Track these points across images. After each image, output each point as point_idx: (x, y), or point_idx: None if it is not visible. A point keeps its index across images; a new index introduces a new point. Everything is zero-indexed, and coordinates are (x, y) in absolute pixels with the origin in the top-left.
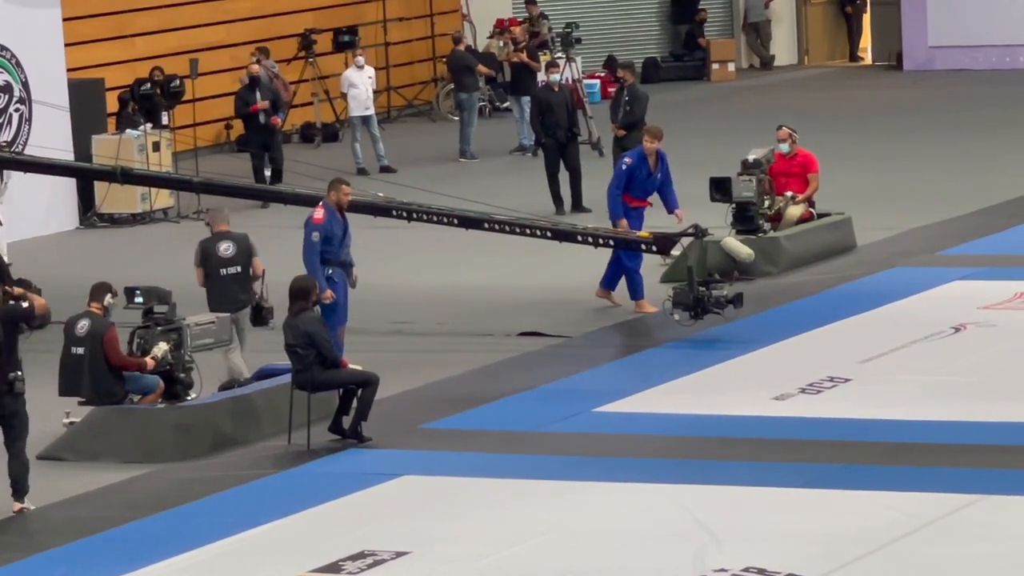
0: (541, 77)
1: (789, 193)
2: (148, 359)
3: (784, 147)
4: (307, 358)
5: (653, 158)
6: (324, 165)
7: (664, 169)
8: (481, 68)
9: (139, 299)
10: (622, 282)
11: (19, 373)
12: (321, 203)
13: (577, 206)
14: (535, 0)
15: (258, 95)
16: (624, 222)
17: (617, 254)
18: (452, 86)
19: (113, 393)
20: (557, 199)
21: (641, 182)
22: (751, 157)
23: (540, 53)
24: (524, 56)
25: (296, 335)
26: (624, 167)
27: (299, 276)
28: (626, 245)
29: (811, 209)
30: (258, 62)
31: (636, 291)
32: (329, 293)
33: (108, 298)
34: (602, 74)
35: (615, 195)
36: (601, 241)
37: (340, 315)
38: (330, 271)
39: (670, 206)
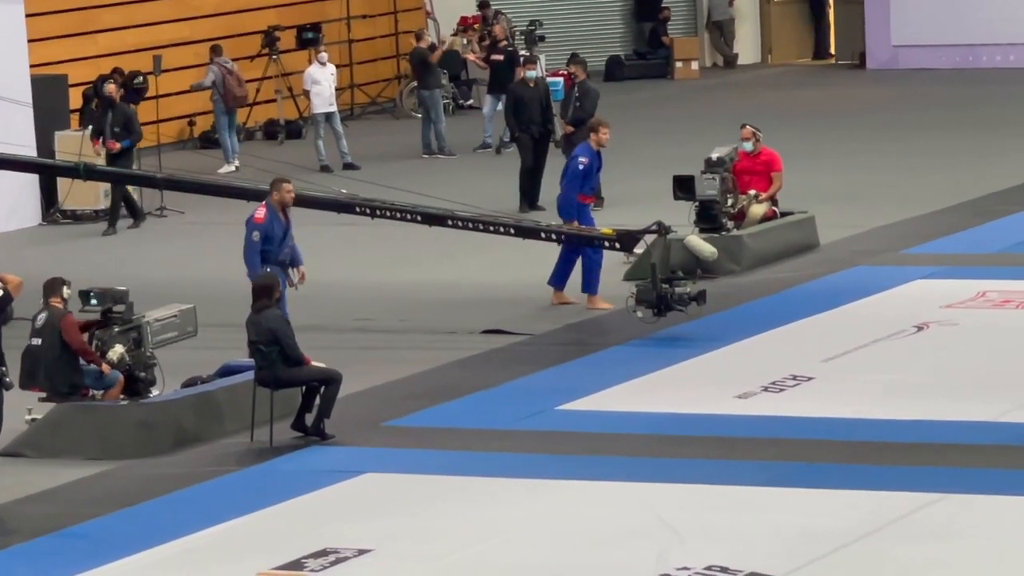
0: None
1: (753, 192)
2: (104, 365)
3: (748, 145)
4: (270, 355)
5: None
6: (287, 162)
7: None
8: (435, 56)
9: (94, 301)
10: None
11: (4, 368)
12: (264, 203)
13: (532, 204)
14: (487, 2)
15: (109, 118)
16: (575, 224)
17: (566, 253)
18: (414, 83)
19: (72, 383)
20: (524, 197)
21: (591, 178)
22: (714, 155)
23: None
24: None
25: (259, 332)
26: (581, 166)
27: (262, 274)
28: (589, 242)
29: (774, 208)
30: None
31: (591, 285)
32: None
33: (66, 290)
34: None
35: (572, 196)
36: (564, 238)
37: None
38: (268, 269)
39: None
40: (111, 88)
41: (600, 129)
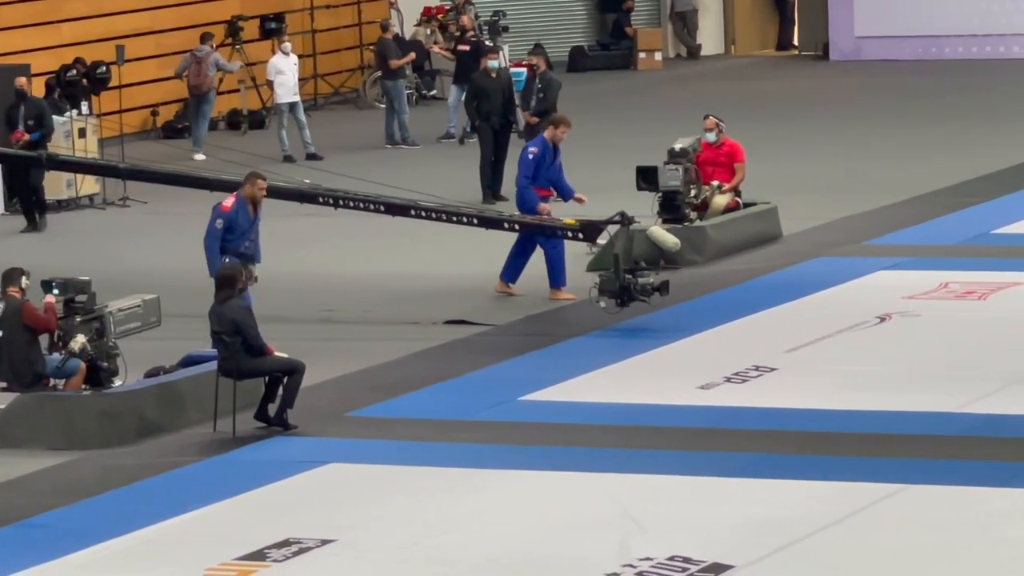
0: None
1: (715, 182)
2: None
3: (711, 136)
4: (233, 345)
5: (554, 147)
6: (250, 152)
7: (559, 158)
8: (394, 62)
9: (56, 291)
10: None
11: None
12: (235, 193)
13: (496, 194)
14: None
15: (22, 111)
16: (544, 206)
17: (521, 248)
18: (378, 73)
19: (34, 373)
20: (487, 188)
21: (545, 171)
22: (677, 146)
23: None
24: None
25: (222, 322)
26: (531, 156)
27: (226, 264)
28: (552, 233)
29: (737, 199)
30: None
31: (558, 279)
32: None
33: (24, 280)
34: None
35: (527, 186)
36: (526, 228)
37: None
38: (226, 259)
39: (567, 194)
40: (22, 81)
41: (560, 126)
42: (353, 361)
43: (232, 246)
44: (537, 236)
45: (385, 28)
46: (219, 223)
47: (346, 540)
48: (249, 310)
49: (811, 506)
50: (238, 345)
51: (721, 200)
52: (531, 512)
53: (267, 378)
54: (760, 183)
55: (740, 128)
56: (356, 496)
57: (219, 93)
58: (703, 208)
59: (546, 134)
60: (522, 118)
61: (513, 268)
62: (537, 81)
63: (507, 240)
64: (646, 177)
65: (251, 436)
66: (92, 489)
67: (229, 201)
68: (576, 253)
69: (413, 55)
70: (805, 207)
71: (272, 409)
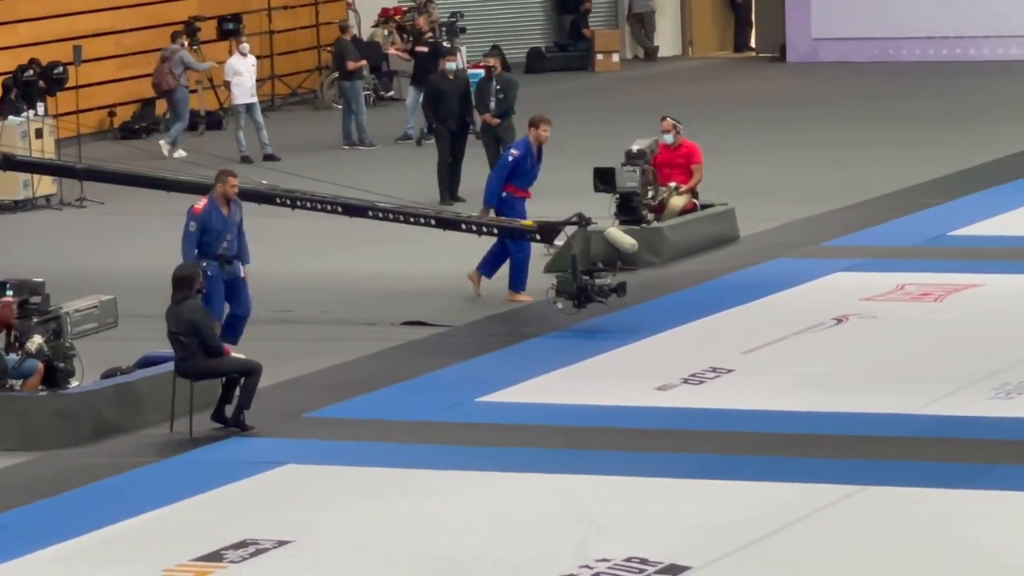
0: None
1: (673, 184)
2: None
3: (668, 138)
4: (190, 346)
5: (538, 147)
6: (208, 152)
7: (540, 159)
8: (351, 64)
9: (10, 292)
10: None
11: None
12: (207, 195)
13: (453, 195)
14: None
15: None
16: (492, 212)
17: (502, 245)
18: (335, 74)
19: None
20: (444, 189)
21: (525, 172)
22: (635, 147)
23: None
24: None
25: (179, 323)
26: (511, 158)
27: (182, 264)
28: (511, 234)
29: (695, 200)
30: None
31: (519, 283)
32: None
33: None
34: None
35: (497, 183)
36: (485, 230)
37: (215, 308)
38: (204, 263)
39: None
40: None
41: (540, 125)
42: (310, 362)
43: (210, 248)
44: (507, 238)
45: (344, 29)
46: (192, 226)
47: (303, 541)
48: (206, 310)
49: (768, 507)
50: (195, 346)
51: (678, 201)
52: (488, 513)
53: (224, 379)
54: (718, 184)
55: (697, 130)
56: (313, 497)
57: None
58: (660, 210)
59: (529, 136)
60: (479, 120)
61: (491, 264)
62: (495, 83)
63: (464, 241)
64: (603, 178)
65: (208, 437)
66: (48, 490)
67: (201, 203)
68: (534, 254)
69: (364, 61)
70: (762, 208)
71: (229, 410)
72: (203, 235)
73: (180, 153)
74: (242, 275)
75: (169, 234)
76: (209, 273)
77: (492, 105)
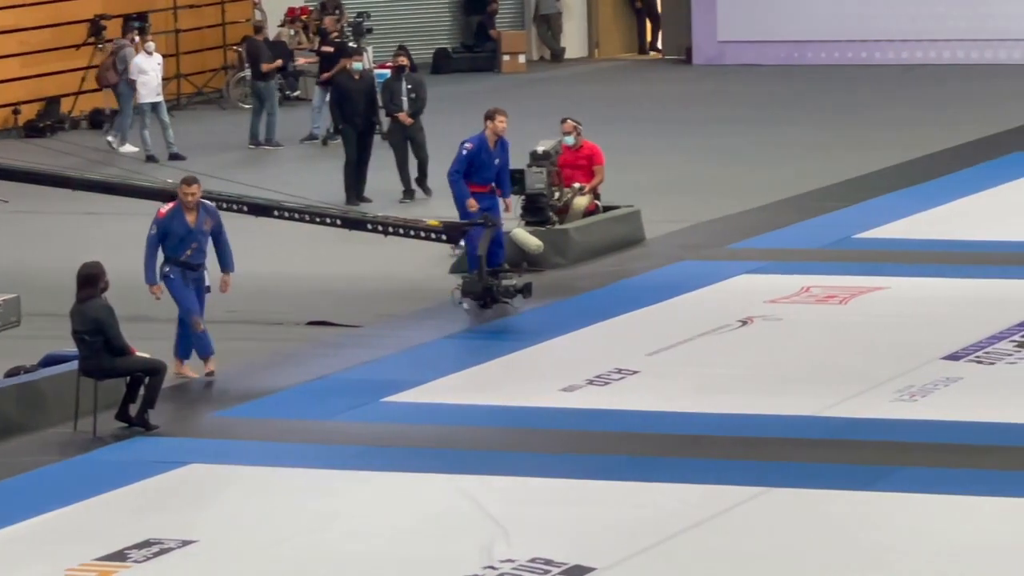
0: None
1: (577, 184)
2: None
3: (569, 139)
4: (94, 345)
5: (494, 141)
6: (113, 151)
7: (504, 154)
8: (265, 66)
9: None
10: None
11: None
12: (175, 200)
13: (359, 195)
14: None
15: None
16: (472, 201)
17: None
18: (242, 74)
19: None
20: (350, 189)
21: (482, 166)
22: (540, 149)
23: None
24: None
25: (84, 322)
26: (465, 152)
27: (87, 263)
28: (416, 234)
29: (596, 201)
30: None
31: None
32: (155, 289)
33: None
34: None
35: (458, 179)
36: (391, 230)
37: (182, 304)
38: (167, 268)
39: (505, 193)
40: None
41: (496, 117)
42: (215, 361)
43: (172, 253)
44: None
45: (258, 30)
46: (152, 229)
47: (207, 541)
48: (110, 309)
49: (673, 508)
50: (99, 344)
51: (582, 202)
52: (393, 514)
53: (128, 378)
54: (623, 186)
55: (603, 131)
56: (217, 497)
57: (80, 93)
58: (564, 211)
59: (486, 130)
60: (385, 120)
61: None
62: (406, 82)
63: (370, 242)
64: (513, 180)
65: (112, 436)
66: None
67: (165, 207)
68: (439, 255)
69: (280, 61)
70: (668, 210)
71: (134, 409)
72: (165, 239)
73: (128, 148)
74: (206, 283)
75: (76, 234)
76: (171, 277)
77: (405, 104)
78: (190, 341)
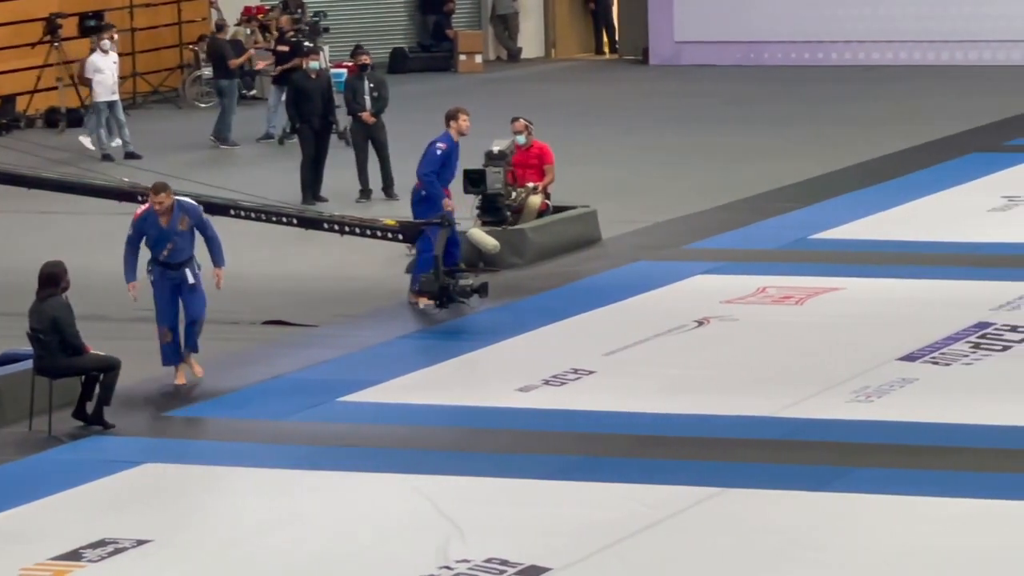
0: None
1: (530, 184)
2: None
3: (521, 138)
4: (50, 344)
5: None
6: (69, 151)
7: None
8: (233, 62)
9: None
10: None
11: None
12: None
13: (316, 195)
14: None
15: None
16: (448, 200)
17: (419, 250)
18: (199, 72)
19: None
20: (306, 189)
21: (450, 168)
22: (495, 148)
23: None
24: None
25: (41, 320)
26: (439, 152)
27: (49, 262)
28: (373, 233)
29: (547, 201)
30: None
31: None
32: (131, 286)
33: None
34: (350, 63)
35: (434, 179)
36: (347, 229)
37: (159, 314)
38: (150, 268)
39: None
40: None
41: (459, 116)
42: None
43: (154, 253)
44: (370, 238)
45: (220, 28)
46: (130, 231)
47: (162, 540)
48: (70, 308)
49: (629, 509)
50: (55, 344)
51: (536, 201)
52: (348, 514)
53: (84, 376)
54: (580, 186)
55: (560, 131)
56: (173, 496)
57: (37, 91)
58: (519, 211)
59: (451, 130)
60: (344, 119)
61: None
62: (368, 81)
63: (325, 241)
64: (474, 181)
65: (67, 435)
66: None
67: (141, 208)
68: (396, 254)
69: (251, 52)
70: (625, 211)
71: (90, 407)
72: (143, 240)
73: (116, 142)
74: (190, 281)
75: (30, 233)
76: (152, 278)
77: (368, 104)
78: (194, 337)
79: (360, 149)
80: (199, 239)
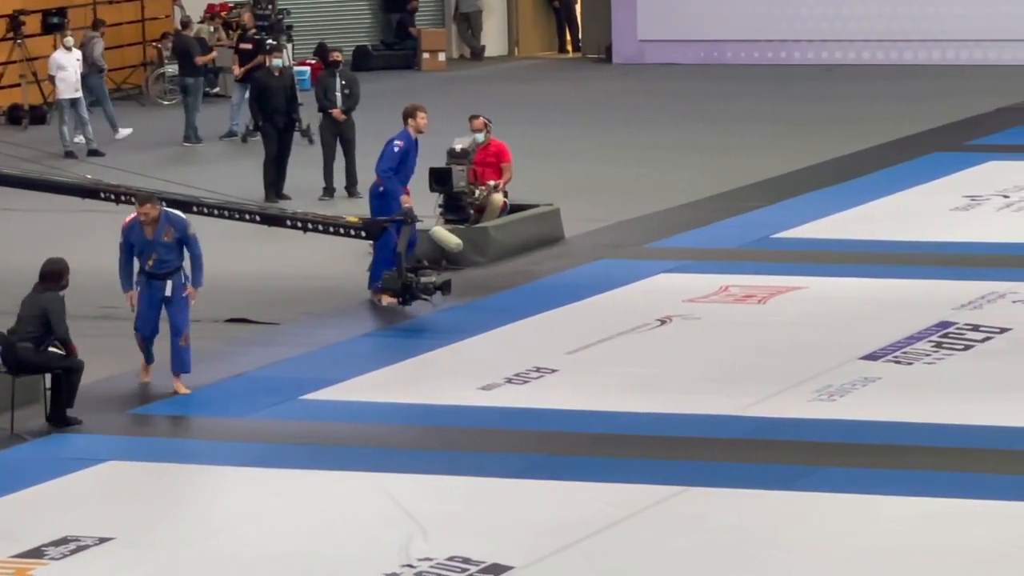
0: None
1: (491, 182)
2: None
3: (480, 137)
4: (27, 333)
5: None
6: (32, 147)
7: (417, 150)
8: (200, 59)
9: None
10: None
11: None
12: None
13: (279, 192)
14: None
15: None
16: (407, 197)
17: (378, 251)
18: (162, 70)
19: None
20: (270, 186)
21: (409, 165)
22: (457, 147)
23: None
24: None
25: (32, 307)
26: (396, 149)
27: (52, 258)
28: (336, 231)
29: (505, 199)
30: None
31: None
32: (128, 295)
33: None
34: (313, 61)
35: (392, 176)
36: (310, 226)
37: (137, 320)
38: (137, 278)
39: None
40: None
41: (416, 114)
42: (133, 359)
43: (140, 263)
44: (332, 235)
45: (185, 25)
46: (120, 239)
47: (125, 538)
48: (62, 301)
49: (592, 507)
50: (33, 336)
51: (498, 199)
52: (310, 512)
53: (50, 378)
54: (543, 185)
55: (523, 130)
56: (135, 494)
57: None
58: (481, 210)
59: (409, 128)
60: (298, 116)
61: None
62: (340, 78)
63: (285, 238)
64: (439, 179)
65: (29, 433)
66: None
67: (128, 218)
68: (360, 251)
69: (216, 52)
70: (587, 209)
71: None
72: (131, 249)
73: (124, 132)
74: (167, 293)
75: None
76: (137, 288)
77: (339, 101)
78: (181, 356)
79: (328, 147)
80: None
